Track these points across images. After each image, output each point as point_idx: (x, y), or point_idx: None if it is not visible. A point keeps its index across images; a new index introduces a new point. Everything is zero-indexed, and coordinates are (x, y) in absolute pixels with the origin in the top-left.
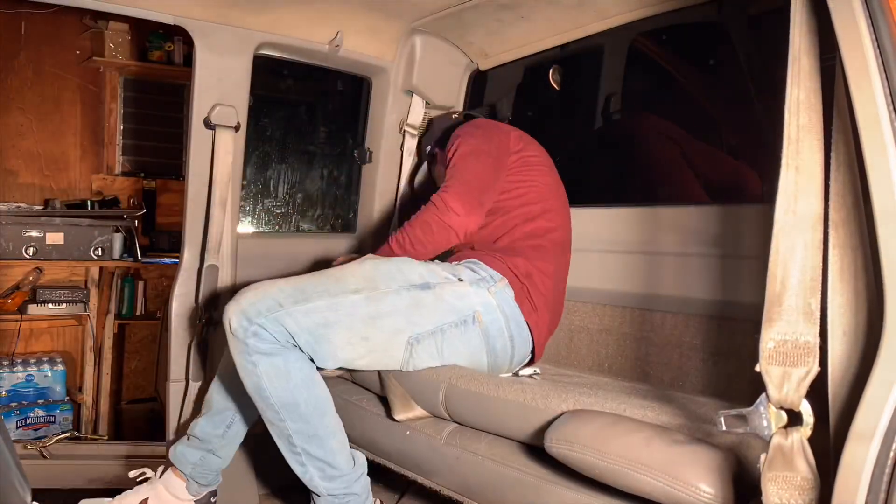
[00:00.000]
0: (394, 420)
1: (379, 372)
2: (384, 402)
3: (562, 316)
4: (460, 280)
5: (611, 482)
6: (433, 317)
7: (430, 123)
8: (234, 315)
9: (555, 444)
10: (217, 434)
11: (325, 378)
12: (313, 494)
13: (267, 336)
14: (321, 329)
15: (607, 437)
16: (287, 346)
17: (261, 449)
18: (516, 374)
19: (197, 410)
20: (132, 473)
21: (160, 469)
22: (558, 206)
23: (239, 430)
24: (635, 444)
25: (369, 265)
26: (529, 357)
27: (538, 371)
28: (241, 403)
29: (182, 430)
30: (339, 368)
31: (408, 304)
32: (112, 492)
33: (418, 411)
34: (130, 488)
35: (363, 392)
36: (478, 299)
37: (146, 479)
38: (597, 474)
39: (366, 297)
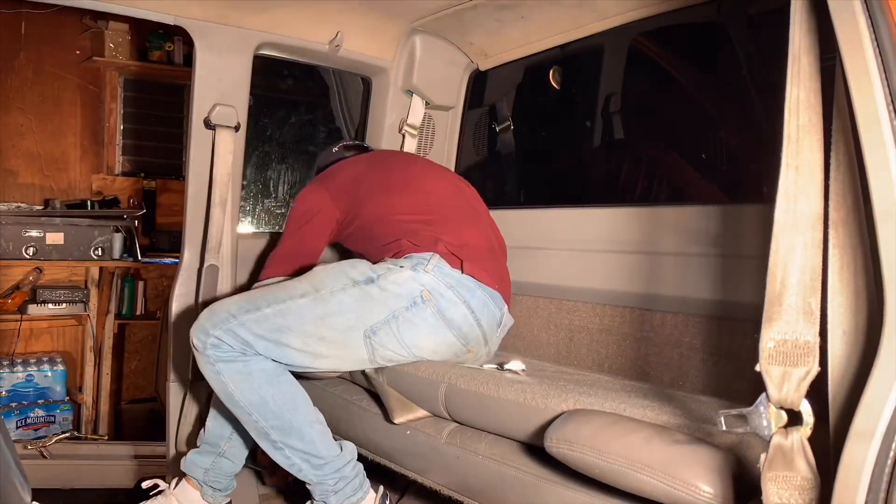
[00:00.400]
0: (393, 423)
1: (368, 379)
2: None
3: (505, 252)
4: (401, 267)
5: (611, 482)
6: (382, 307)
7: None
8: (194, 332)
9: (555, 443)
10: (224, 435)
11: (326, 379)
12: (307, 485)
13: (224, 346)
14: (275, 335)
15: (607, 436)
16: (247, 353)
17: (261, 449)
18: (501, 368)
19: (197, 411)
20: (145, 484)
21: (174, 481)
22: (432, 188)
23: (244, 433)
24: (635, 443)
25: (316, 270)
26: (502, 313)
27: (523, 367)
28: None
29: (183, 431)
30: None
31: (355, 300)
32: (115, 496)
33: (418, 412)
34: (139, 493)
35: (363, 392)
36: (419, 281)
37: (159, 492)
38: (597, 474)
39: (312, 299)
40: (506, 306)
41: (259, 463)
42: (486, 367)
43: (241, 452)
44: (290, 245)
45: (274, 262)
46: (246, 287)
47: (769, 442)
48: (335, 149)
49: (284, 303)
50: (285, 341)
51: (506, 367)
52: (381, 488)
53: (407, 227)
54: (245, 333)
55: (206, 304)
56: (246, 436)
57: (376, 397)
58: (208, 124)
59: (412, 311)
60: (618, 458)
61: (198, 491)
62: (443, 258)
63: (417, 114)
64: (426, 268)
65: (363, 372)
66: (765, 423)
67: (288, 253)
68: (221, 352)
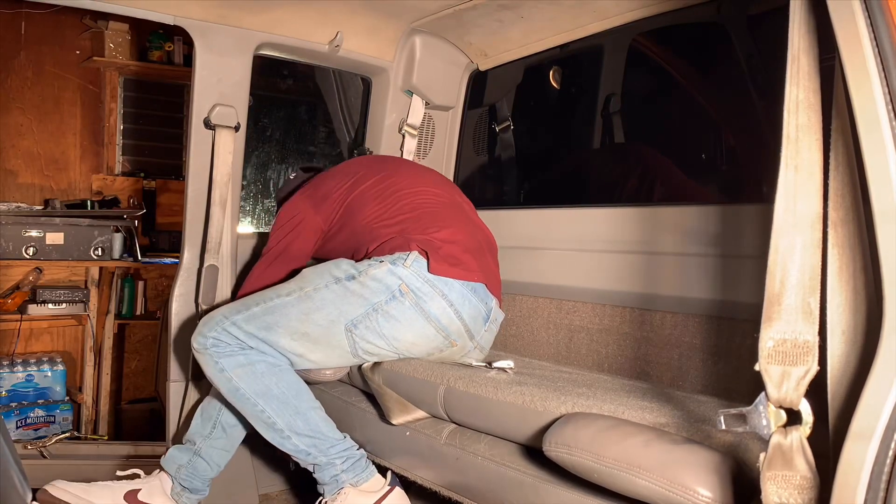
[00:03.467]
0: (391, 424)
1: (366, 380)
2: None
3: (492, 241)
4: (381, 262)
5: (609, 486)
6: (362, 301)
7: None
8: (194, 338)
9: (553, 447)
10: (203, 433)
11: (324, 383)
12: (316, 470)
13: (222, 344)
14: (264, 332)
15: (605, 440)
16: (245, 348)
17: (261, 449)
18: (490, 365)
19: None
20: (120, 473)
21: (155, 472)
22: (416, 190)
23: (224, 434)
24: (633, 447)
25: (304, 271)
26: (490, 306)
27: (512, 365)
28: (224, 404)
29: (182, 431)
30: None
31: (336, 295)
32: None
33: (416, 413)
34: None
35: (361, 394)
36: (397, 275)
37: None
38: (595, 478)
39: (296, 297)
40: (493, 299)
41: None
42: (474, 363)
43: (219, 456)
44: (274, 257)
45: (255, 276)
46: None
47: (768, 441)
48: (293, 175)
49: (272, 301)
50: (273, 339)
51: (494, 364)
52: (390, 473)
53: (390, 230)
54: (237, 332)
55: (207, 303)
56: (226, 442)
57: (374, 399)
58: (208, 124)
59: (391, 305)
60: (616, 462)
61: (170, 485)
62: (420, 256)
63: (417, 114)
64: (405, 262)
65: (360, 372)
66: (764, 422)
67: (272, 264)
68: (221, 348)
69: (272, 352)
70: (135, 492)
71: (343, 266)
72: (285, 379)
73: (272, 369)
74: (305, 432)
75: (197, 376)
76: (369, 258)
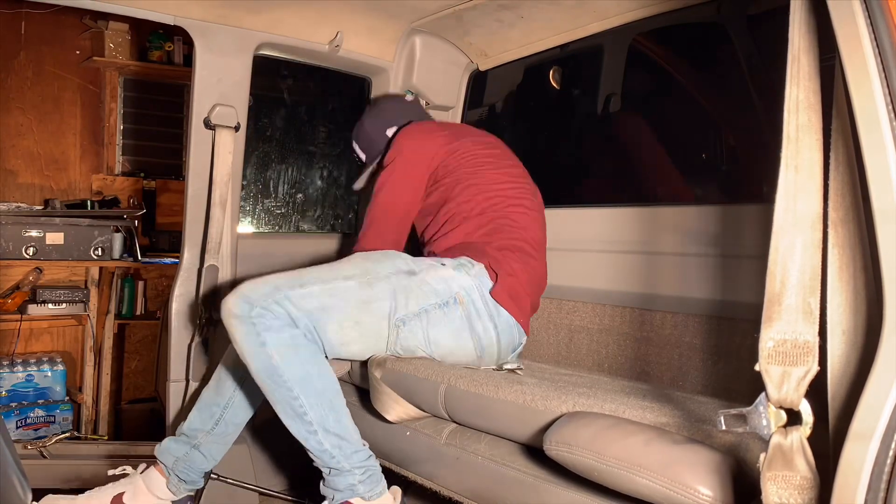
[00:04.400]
0: (388, 422)
1: (368, 372)
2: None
3: (544, 289)
4: (443, 265)
5: (610, 485)
6: (418, 300)
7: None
8: (236, 302)
9: (554, 446)
10: (204, 430)
11: None
12: (332, 474)
13: (270, 316)
14: (318, 313)
15: (606, 439)
16: (292, 326)
17: (261, 449)
18: (500, 368)
19: None
20: (112, 472)
21: (141, 466)
22: (517, 196)
23: (226, 430)
24: (634, 446)
25: (359, 256)
26: (521, 342)
27: (521, 367)
28: (231, 401)
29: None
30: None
31: (395, 288)
32: None
33: (411, 410)
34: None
35: (362, 393)
36: (459, 282)
37: (125, 475)
38: (596, 477)
39: (358, 282)
40: (525, 337)
41: None
42: (482, 366)
43: (217, 450)
44: (387, 198)
45: (373, 222)
46: None
47: (769, 441)
48: (409, 97)
49: (331, 283)
50: (324, 322)
51: (505, 367)
52: (399, 495)
53: (476, 227)
54: (290, 307)
55: (206, 304)
56: (225, 435)
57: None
58: (208, 124)
59: (443, 310)
60: (617, 461)
61: (164, 479)
62: (486, 272)
63: None
64: (470, 272)
65: (362, 367)
66: (764, 422)
67: (386, 206)
68: (268, 320)
69: (315, 338)
70: (120, 496)
71: (404, 257)
72: (326, 371)
73: (315, 357)
74: (335, 431)
75: (196, 376)
76: (434, 253)
